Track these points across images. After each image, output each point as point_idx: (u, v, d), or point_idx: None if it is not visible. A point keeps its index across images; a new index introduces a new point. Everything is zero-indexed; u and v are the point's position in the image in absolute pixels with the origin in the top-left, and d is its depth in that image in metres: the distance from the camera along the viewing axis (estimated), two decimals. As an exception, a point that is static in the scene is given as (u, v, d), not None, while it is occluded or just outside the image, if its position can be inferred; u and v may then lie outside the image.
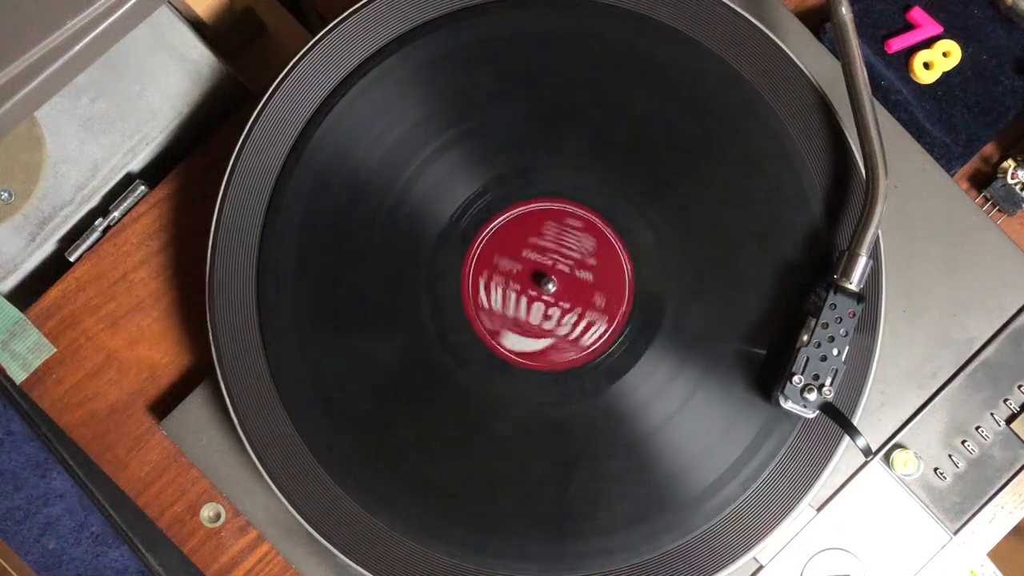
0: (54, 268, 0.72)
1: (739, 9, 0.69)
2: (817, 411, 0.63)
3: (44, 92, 0.63)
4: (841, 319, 0.63)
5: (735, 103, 0.68)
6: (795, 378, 0.62)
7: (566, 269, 0.67)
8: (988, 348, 0.69)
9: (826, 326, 0.63)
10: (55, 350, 0.70)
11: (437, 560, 0.65)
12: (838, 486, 0.69)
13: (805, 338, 0.63)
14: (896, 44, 0.72)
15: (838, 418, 0.62)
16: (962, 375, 0.69)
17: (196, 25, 0.75)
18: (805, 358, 0.63)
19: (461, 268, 0.67)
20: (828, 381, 0.62)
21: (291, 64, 0.67)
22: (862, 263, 0.63)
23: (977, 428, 0.68)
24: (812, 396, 0.62)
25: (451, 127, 0.68)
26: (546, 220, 0.67)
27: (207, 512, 0.69)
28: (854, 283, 0.63)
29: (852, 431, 0.62)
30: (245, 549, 0.69)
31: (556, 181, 0.68)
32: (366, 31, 0.68)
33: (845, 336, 0.63)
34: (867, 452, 0.62)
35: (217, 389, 0.66)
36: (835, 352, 0.63)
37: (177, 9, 0.73)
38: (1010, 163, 0.71)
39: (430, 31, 0.68)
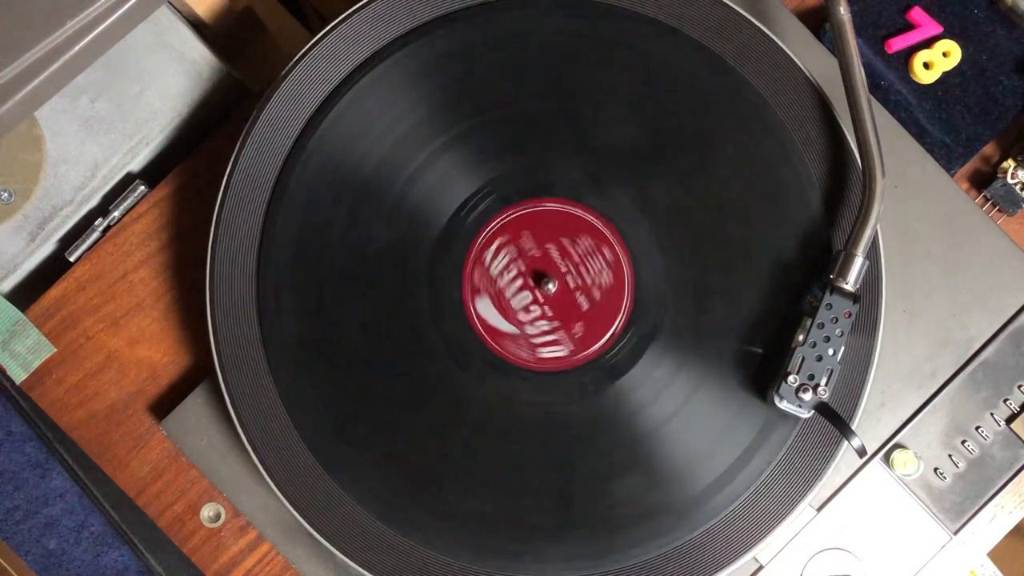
0: (54, 268, 0.72)
1: (739, 9, 0.69)
2: (812, 411, 0.63)
3: (44, 92, 0.63)
4: (837, 319, 0.63)
5: (735, 103, 0.68)
6: (790, 378, 0.62)
7: (566, 269, 0.67)
8: (988, 348, 0.69)
9: (822, 326, 0.63)
10: (55, 350, 0.70)
11: (437, 560, 0.65)
12: (838, 486, 0.69)
13: (801, 338, 0.63)
14: (896, 44, 0.72)
15: (833, 418, 0.62)
16: (962, 375, 0.69)
17: (196, 25, 0.75)
18: (801, 358, 0.63)
19: (462, 268, 0.67)
20: (823, 381, 0.62)
21: (291, 64, 0.67)
22: (858, 263, 0.63)
23: (977, 428, 0.68)
24: (807, 396, 0.62)
25: (451, 127, 0.68)
26: (547, 221, 0.67)
27: (207, 512, 0.69)
28: (850, 283, 0.63)
29: (847, 431, 0.62)
30: (245, 549, 0.69)
31: (556, 181, 0.68)
32: (366, 31, 0.68)
33: (841, 336, 0.63)
34: (862, 453, 0.62)
35: (217, 389, 0.66)
36: (831, 352, 0.63)
37: (177, 9, 0.73)
38: (1010, 163, 0.71)
39: (430, 31, 0.68)
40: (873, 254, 0.66)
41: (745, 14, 0.68)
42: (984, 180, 0.73)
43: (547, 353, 0.66)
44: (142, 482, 0.69)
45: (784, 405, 0.63)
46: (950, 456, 0.68)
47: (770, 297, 0.66)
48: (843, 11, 0.67)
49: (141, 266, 0.71)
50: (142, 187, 0.71)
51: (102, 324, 0.70)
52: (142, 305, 0.71)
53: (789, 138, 0.67)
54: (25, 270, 0.72)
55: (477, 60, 0.68)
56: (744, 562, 0.65)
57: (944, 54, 0.72)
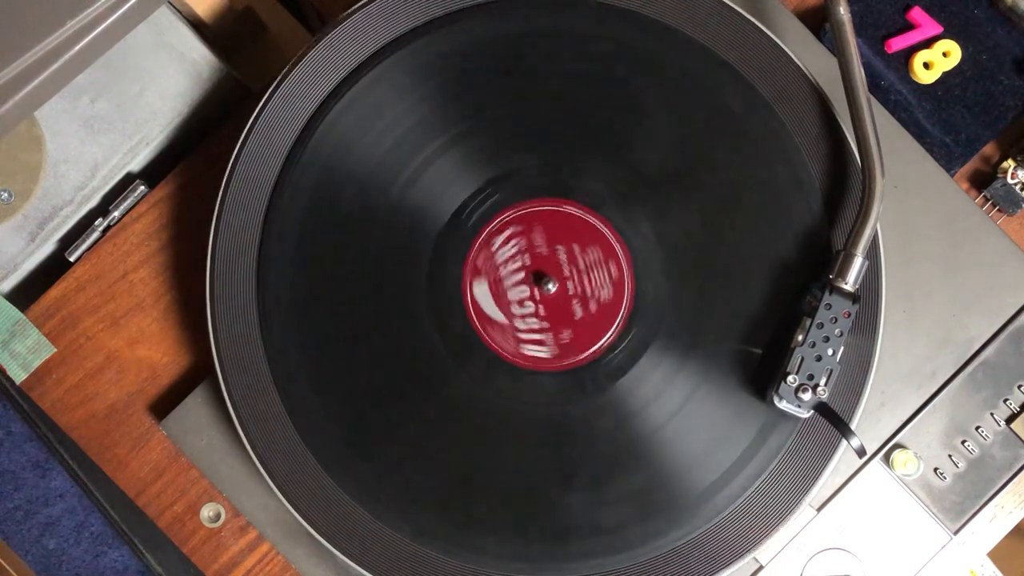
0: (54, 268, 0.72)
1: (739, 9, 0.69)
2: (811, 411, 0.63)
3: (44, 92, 0.63)
4: (836, 319, 0.63)
5: (735, 103, 0.68)
6: (790, 378, 0.62)
7: (566, 269, 0.67)
8: (988, 348, 0.69)
9: (821, 326, 0.63)
10: (55, 350, 0.70)
11: (437, 560, 0.65)
12: (838, 486, 0.69)
13: (800, 338, 0.63)
14: (896, 44, 0.72)
15: (832, 418, 0.62)
16: (962, 375, 0.69)
17: (196, 25, 0.75)
18: (800, 358, 0.63)
19: (461, 268, 0.67)
20: (823, 381, 0.62)
21: (291, 64, 0.67)
22: (858, 263, 0.63)
23: (977, 428, 0.68)
24: (806, 396, 0.62)
25: (451, 127, 0.68)
26: (545, 220, 0.67)
27: (207, 512, 0.69)
28: (849, 283, 0.63)
29: (846, 431, 0.62)
30: (245, 549, 0.69)
31: (555, 181, 0.68)
32: (366, 31, 0.68)
33: (840, 336, 0.63)
34: (861, 453, 0.62)
35: (217, 389, 0.66)
36: (830, 352, 0.63)
37: (177, 9, 0.73)
38: (1010, 163, 0.71)
39: (430, 31, 0.68)
40: (873, 254, 0.66)
41: (745, 14, 0.68)
42: (984, 180, 0.73)
43: (547, 353, 0.66)
44: (142, 482, 0.70)
45: (783, 405, 0.63)
46: (950, 456, 0.68)
47: (770, 297, 0.66)
48: (843, 11, 0.67)
49: (141, 266, 0.71)
50: (142, 187, 0.71)
51: (102, 324, 0.70)
52: (142, 305, 0.71)
53: (789, 138, 0.67)
54: (25, 270, 0.72)
55: (478, 60, 0.68)
56: (744, 562, 0.65)
57: (944, 54, 0.72)
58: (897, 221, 0.69)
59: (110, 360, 0.70)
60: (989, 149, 0.73)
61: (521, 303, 0.67)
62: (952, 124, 0.72)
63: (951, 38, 0.72)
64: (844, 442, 0.65)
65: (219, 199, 0.67)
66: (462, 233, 0.67)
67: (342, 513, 0.65)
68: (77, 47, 0.63)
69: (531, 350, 0.66)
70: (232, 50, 0.79)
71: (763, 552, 0.68)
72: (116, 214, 0.71)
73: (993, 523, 0.69)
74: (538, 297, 0.67)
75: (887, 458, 0.68)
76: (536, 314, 0.67)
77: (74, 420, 0.70)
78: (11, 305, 0.69)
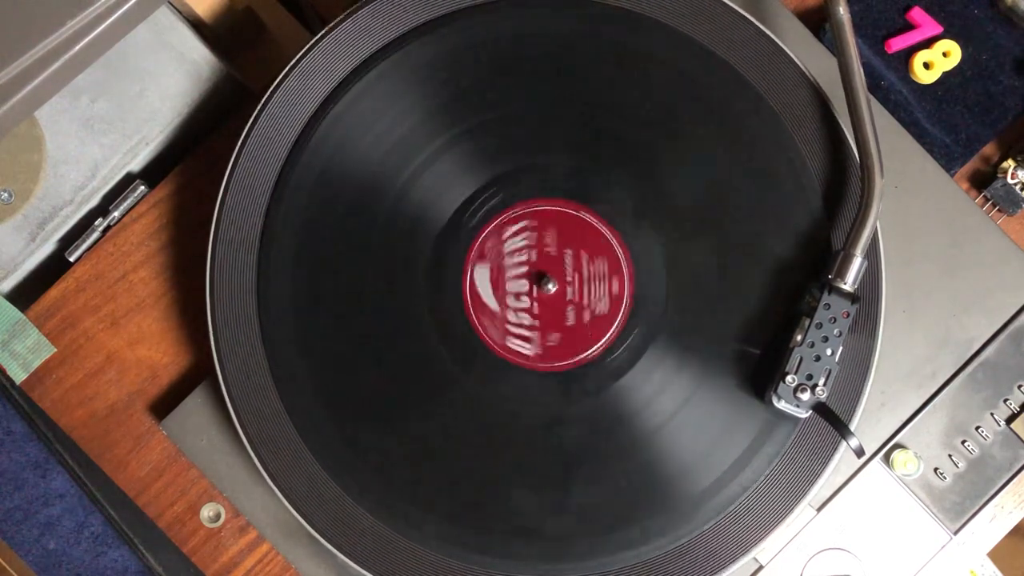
0: (54, 268, 0.72)
1: (739, 9, 0.69)
2: (810, 411, 0.63)
3: (44, 92, 0.63)
4: (835, 319, 0.63)
5: (735, 103, 0.68)
6: (788, 378, 0.62)
7: (566, 269, 0.67)
8: (988, 348, 0.69)
9: (820, 326, 0.63)
10: (55, 350, 0.70)
11: (436, 560, 0.65)
12: (838, 486, 0.69)
13: (799, 338, 0.63)
14: (896, 44, 0.72)
15: (831, 418, 0.62)
16: (962, 375, 0.69)
17: (196, 25, 0.75)
18: (799, 358, 0.63)
19: (461, 268, 0.67)
20: (821, 381, 0.62)
21: (291, 64, 0.67)
22: (857, 263, 0.63)
23: (977, 428, 0.68)
24: (805, 396, 0.62)
25: (451, 127, 0.68)
26: (545, 221, 0.67)
27: (207, 512, 0.69)
28: (848, 283, 0.63)
29: (844, 431, 0.62)
30: (245, 549, 0.69)
31: (555, 181, 0.68)
32: (366, 31, 0.68)
33: (839, 336, 0.63)
34: (859, 453, 0.62)
35: (217, 389, 0.66)
36: (829, 352, 0.63)
37: (177, 9, 0.73)
38: (1010, 163, 0.71)
39: (429, 31, 0.68)
40: (873, 254, 0.66)
41: (745, 14, 0.68)
42: (984, 180, 0.73)
43: (547, 354, 0.66)
44: (142, 482, 0.70)
45: (782, 405, 0.63)
46: (950, 456, 0.68)
47: (769, 297, 0.66)
48: (843, 11, 0.67)
49: (141, 266, 0.71)
50: (142, 187, 0.71)
51: (102, 324, 0.70)
52: (142, 305, 0.71)
53: (788, 138, 0.67)
54: (25, 270, 0.72)
55: (478, 60, 0.68)
56: (744, 562, 0.65)
57: (944, 54, 0.72)
58: (897, 221, 0.69)
59: (110, 360, 0.70)
60: (989, 149, 0.73)
61: (521, 303, 0.67)
62: (952, 124, 0.72)
63: (951, 38, 0.72)
64: (844, 442, 0.65)
65: (219, 199, 0.67)
66: (463, 233, 0.67)
67: (342, 513, 0.65)
68: (77, 47, 0.63)
69: (531, 350, 0.66)
70: (232, 50, 0.79)
71: (763, 552, 0.68)
72: (116, 214, 0.71)
73: (993, 523, 0.69)
74: (538, 297, 0.67)
75: (887, 458, 0.68)
76: (535, 314, 0.67)
77: (74, 420, 0.70)
78: (11, 305, 0.69)
